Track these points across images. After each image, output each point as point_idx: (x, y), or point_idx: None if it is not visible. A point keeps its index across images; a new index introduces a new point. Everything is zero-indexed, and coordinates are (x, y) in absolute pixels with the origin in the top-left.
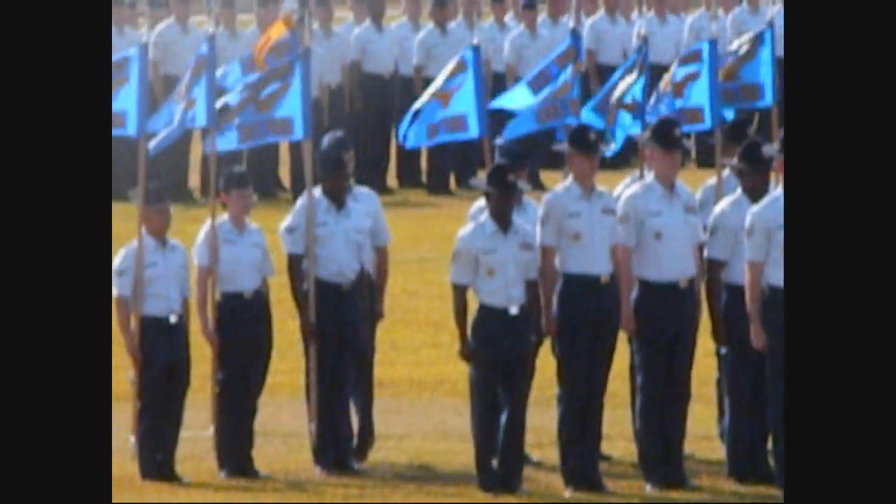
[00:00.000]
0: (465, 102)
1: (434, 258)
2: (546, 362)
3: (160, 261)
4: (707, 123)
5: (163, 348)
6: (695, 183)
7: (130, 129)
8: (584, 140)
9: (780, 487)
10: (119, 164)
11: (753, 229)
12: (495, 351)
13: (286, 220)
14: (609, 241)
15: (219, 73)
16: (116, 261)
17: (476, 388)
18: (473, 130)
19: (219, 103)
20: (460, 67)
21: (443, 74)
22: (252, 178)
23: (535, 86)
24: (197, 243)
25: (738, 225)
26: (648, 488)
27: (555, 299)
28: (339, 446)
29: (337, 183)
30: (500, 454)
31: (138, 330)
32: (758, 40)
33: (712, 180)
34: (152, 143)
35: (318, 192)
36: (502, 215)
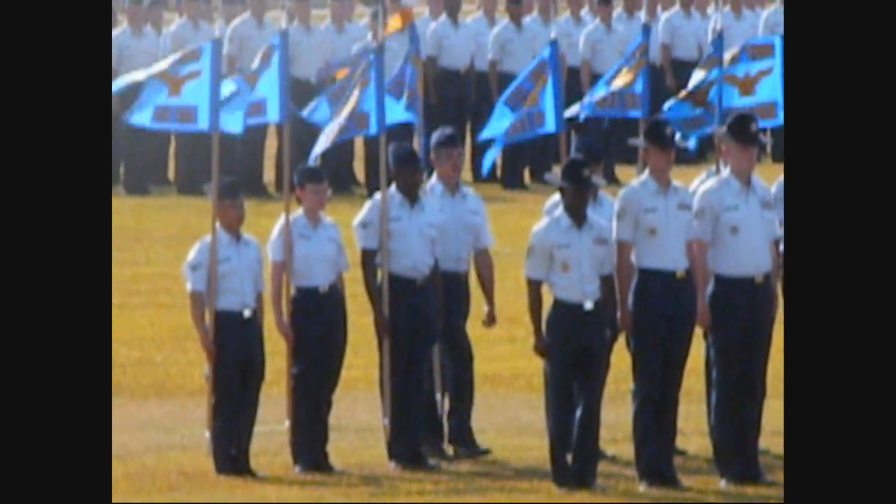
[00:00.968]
0: (545, 98)
1: (509, 253)
2: (621, 357)
3: (234, 255)
4: (780, 119)
5: (237, 343)
6: (770, 177)
7: (202, 123)
8: (661, 135)
9: None
10: (194, 159)
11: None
12: (570, 346)
13: (359, 215)
14: (685, 237)
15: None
16: (191, 255)
17: (551, 383)
18: (550, 125)
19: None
20: (542, 69)
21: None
22: (326, 173)
23: (513, 104)
24: (271, 238)
25: None
26: (723, 484)
27: (630, 294)
28: (413, 441)
29: (410, 178)
30: (574, 449)
31: (213, 325)
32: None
33: None
34: (318, 148)
35: (392, 187)
36: (577, 210)
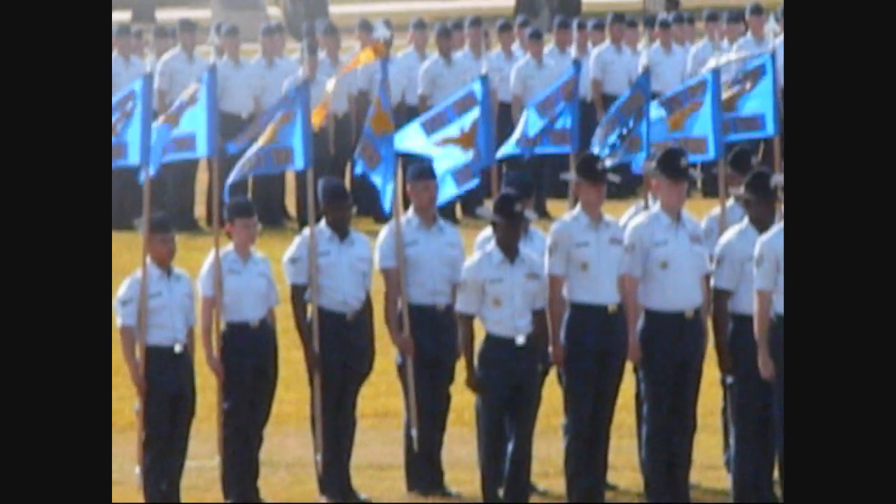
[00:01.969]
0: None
1: None
2: (552, 391)
3: (165, 290)
4: (711, 153)
5: (168, 378)
6: (700, 212)
7: (132, 158)
8: (592, 169)
9: None
10: (124, 194)
11: (762, 258)
12: (502, 380)
13: (289, 251)
14: (617, 271)
15: None
16: (121, 290)
17: (483, 417)
18: (483, 160)
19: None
20: (470, 101)
21: (450, 110)
22: (257, 208)
23: (429, 127)
24: (202, 273)
25: (744, 255)
26: None
27: (562, 329)
28: (344, 476)
29: (339, 213)
30: (506, 484)
31: (143, 359)
32: (759, 70)
33: (717, 210)
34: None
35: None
36: (509, 244)
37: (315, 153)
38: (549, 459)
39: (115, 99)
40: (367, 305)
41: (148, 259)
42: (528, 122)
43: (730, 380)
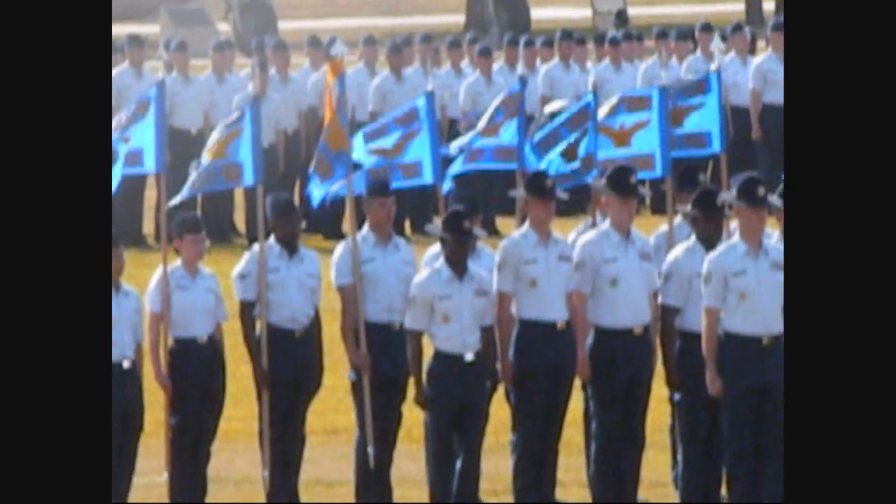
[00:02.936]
0: (419, 149)
1: None
2: (500, 408)
3: (113, 306)
4: (657, 171)
5: (116, 394)
6: (648, 229)
7: (148, 165)
8: (541, 186)
9: None
10: None
11: (710, 276)
12: (450, 397)
13: (238, 267)
14: (565, 288)
15: None
16: None
17: (431, 434)
18: (427, 177)
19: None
20: (412, 117)
21: (392, 124)
22: (205, 224)
23: (369, 137)
24: (149, 288)
25: (692, 272)
26: None
27: (511, 346)
28: (291, 493)
29: (288, 228)
30: (454, 501)
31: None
32: (703, 87)
33: (665, 227)
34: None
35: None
36: (458, 261)
37: (264, 169)
38: (497, 476)
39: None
40: (316, 322)
41: None
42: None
43: (677, 397)
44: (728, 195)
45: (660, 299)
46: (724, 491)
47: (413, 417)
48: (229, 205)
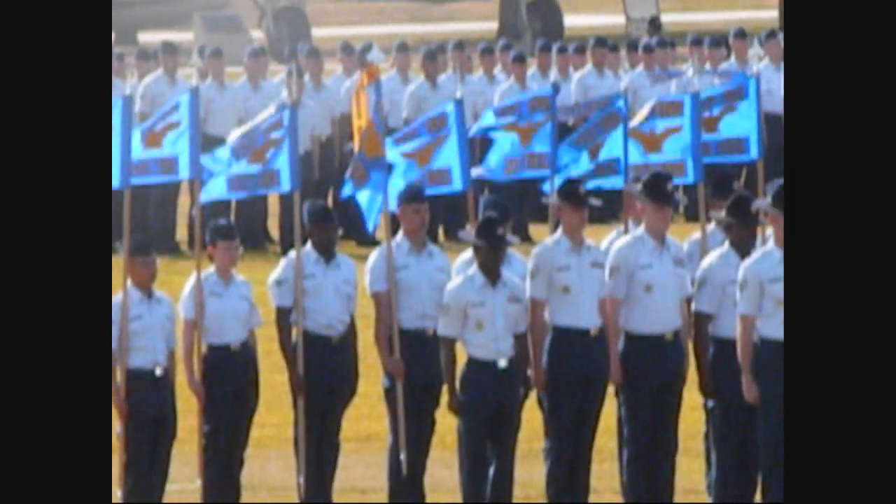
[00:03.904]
0: (448, 156)
1: None
2: (533, 415)
3: (146, 313)
4: (689, 177)
5: (148, 401)
6: (682, 235)
7: (114, 180)
8: (574, 193)
9: None
10: None
11: (746, 283)
12: (484, 404)
13: (274, 273)
14: (598, 295)
15: None
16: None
17: (464, 441)
18: (457, 184)
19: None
20: (440, 123)
21: (422, 127)
22: (239, 231)
23: (400, 140)
24: (183, 295)
25: (725, 279)
26: None
27: (544, 353)
28: (327, 499)
29: (324, 235)
30: None
31: (124, 382)
32: (740, 93)
33: (698, 234)
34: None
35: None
36: (491, 268)
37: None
38: (531, 483)
39: (157, 112)
40: (352, 328)
41: (129, 282)
42: (505, 145)
43: (711, 404)
44: (763, 202)
45: (693, 306)
46: (758, 497)
47: (446, 424)
48: (263, 212)
